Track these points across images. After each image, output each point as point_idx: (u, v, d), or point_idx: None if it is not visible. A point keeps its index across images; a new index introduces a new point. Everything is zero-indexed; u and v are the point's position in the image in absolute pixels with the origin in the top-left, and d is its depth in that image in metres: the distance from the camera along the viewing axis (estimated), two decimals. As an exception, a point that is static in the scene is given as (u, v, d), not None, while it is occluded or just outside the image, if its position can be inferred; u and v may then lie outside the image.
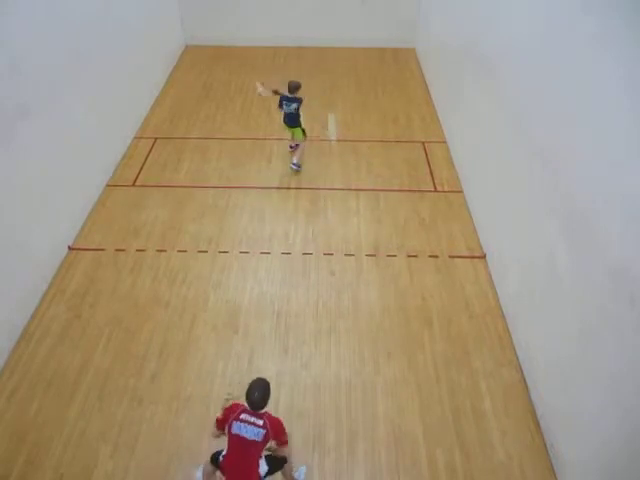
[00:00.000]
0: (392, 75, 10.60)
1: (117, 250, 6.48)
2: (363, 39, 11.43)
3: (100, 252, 6.44)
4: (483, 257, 6.44)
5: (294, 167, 7.78)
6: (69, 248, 6.46)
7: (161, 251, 6.47)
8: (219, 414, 3.78)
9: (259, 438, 3.47)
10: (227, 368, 5.23)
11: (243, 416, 3.53)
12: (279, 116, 9.17)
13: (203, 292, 5.97)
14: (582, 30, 4.28)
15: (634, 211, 3.50)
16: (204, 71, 10.64)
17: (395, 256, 6.45)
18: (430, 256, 6.46)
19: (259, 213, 7.11)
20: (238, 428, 3.50)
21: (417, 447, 4.62)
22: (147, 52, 9.16)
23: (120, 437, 4.65)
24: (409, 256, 6.45)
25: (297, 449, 4.57)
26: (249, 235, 6.76)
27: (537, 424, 4.79)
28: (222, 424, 3.65)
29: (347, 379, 5.14)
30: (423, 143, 8.51)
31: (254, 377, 5.06)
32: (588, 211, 4.06)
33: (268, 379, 5.09)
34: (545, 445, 4.64)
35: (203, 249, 6.51)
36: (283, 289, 6.05)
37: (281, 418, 3.73)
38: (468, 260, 6.42)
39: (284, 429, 3.66)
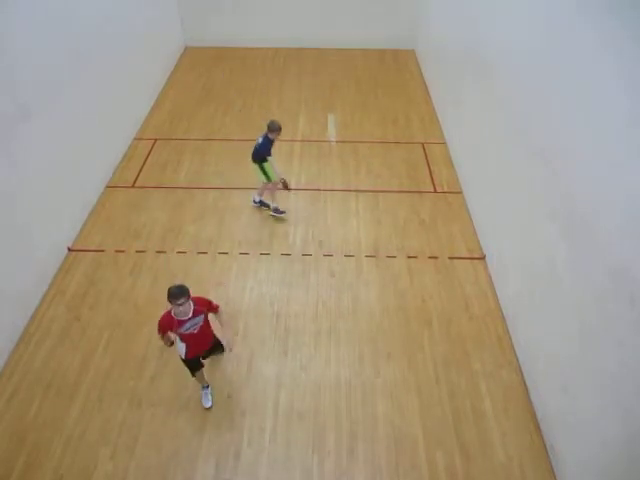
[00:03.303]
0: (392, 76, 10.61)
1: (117, 251, 6.47)
2: (363, 40, 11.45)
3: (100, 253, 6.44)
4: (483, 258, 6.43)
5: (272, 213, 7.07)
6: (69, 249, 6.45)
7: (161, 252, 6.47)
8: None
9: (202, 321, 4.26)
10: (227, 369, 5.23)
11: (182, 324, 4.14)
12: (279, 117, 9.21)
13: (203, 293, 5.88)
14: (582, 30, 4.29)
15: (634, 211, 3.50)
16: (204, 72, 10.65)
17: (395, 257, 6.45)
18: (430, 257, 6.45)
19: (259, 214, 7.10)
20: (185, 329, 4.17)
21: (417, 448, 4.62)
22: (147, 53, 9.17)
23: (120, 438, 4.65)
24: (409, 257, 6.45)
25: (297, 450, 4.58)
26: (249, 236, 6.75)
27: (537, 425, 4.78)
28: (165, 333, 4.22)
29: (347, 380, 5.13)
30: (422, 144, 8.51)
31: (254, 379, 5.12)
32: (588, 211, 4.06)
33: (268, 380, 5.14)
34: (545, 446, 4.63)
35: (203, 250, 6.51)
36: (283, 290, 6.04)
37: (204, 296, 4.37)
38: (468, 261, 6.41)
39: (209, 300, 4.34)
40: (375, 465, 4.50)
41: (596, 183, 3.96)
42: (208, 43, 11.53)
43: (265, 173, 6.68)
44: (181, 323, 4.10)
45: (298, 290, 6.05)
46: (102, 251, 6.47)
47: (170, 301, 3.94)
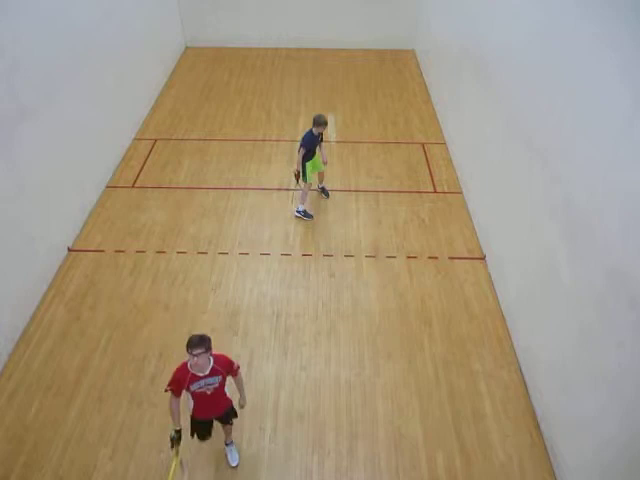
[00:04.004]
0: (392, 76, 10.61)
1: (117, 251, 6.47)
2: (363, 41, 11.44)
3: (100, 253, 6.44)
4: (483, 258, 6.43)
5: (295, 214, 7.01)
6: (69, 249, 6.45)
7: (161, 252, 6.46)
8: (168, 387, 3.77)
9: (218, 384, 3.78)
10: (227, 369, 5.22)
11: (196, 379, 3.71)
12: (279, 117, 9.23)
13: (203, 293, 5.97)
14: (582, 30, 4.29)
15: (634, 211, 3.49)
16: (204, 72, 10.65)
17: (395, 257, 6.45)
18: (430, 257, 6.45)
19: (259, 214, 7.10)
20: (198, 386, 3.74)
21: (417, 449, 4.61)
22: (147, 53, 9.17)
23: (120, 439, 4.65)
24: (409, 257, 6.45)
25: (297, 450, 4.58)
26: (249, 236, 6.75)
27: (537, 426, 4.78)
28: (178, 392, 3.77)
29: (347, 380, 5.13)
30: (422, 144, 8.51)
31: (254, 379, 5.12)
32: (588, 211, 4.06)
33: (268, 380, 5.13)
34: (545, 447, 4.63)
35: (203, 250, 6.51)
36: (283, 290, 6.04)
37: (225, 354, 3.90)
38: (468, 261, 6.41)
39: (230, 361, 3.88)
40: (375, 465, 4.50)
41: (596, 183, 3.96)
42: (208, 43, 11.52)
43: (304, 173, 6.63)
44: (195, 379, 3.71)
45: (298, 290, 6.04)
46: (102, 251, 6.47)
47: (188, 350, 3.54)
